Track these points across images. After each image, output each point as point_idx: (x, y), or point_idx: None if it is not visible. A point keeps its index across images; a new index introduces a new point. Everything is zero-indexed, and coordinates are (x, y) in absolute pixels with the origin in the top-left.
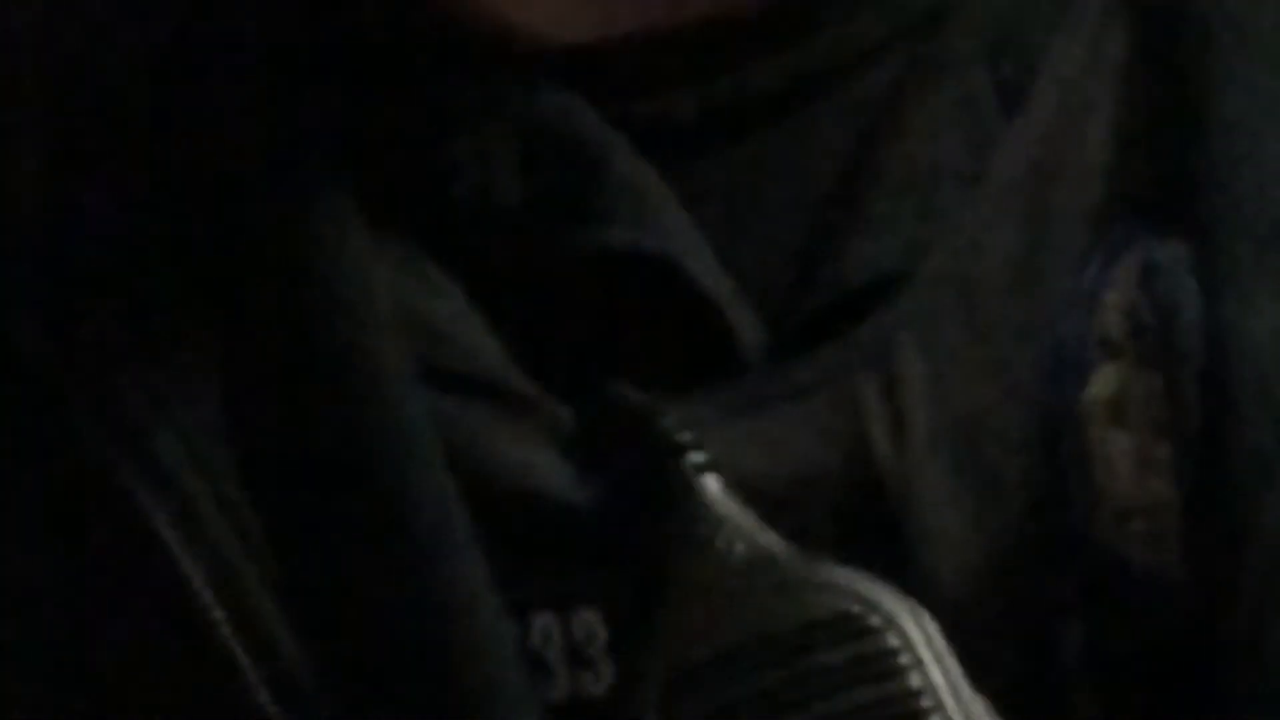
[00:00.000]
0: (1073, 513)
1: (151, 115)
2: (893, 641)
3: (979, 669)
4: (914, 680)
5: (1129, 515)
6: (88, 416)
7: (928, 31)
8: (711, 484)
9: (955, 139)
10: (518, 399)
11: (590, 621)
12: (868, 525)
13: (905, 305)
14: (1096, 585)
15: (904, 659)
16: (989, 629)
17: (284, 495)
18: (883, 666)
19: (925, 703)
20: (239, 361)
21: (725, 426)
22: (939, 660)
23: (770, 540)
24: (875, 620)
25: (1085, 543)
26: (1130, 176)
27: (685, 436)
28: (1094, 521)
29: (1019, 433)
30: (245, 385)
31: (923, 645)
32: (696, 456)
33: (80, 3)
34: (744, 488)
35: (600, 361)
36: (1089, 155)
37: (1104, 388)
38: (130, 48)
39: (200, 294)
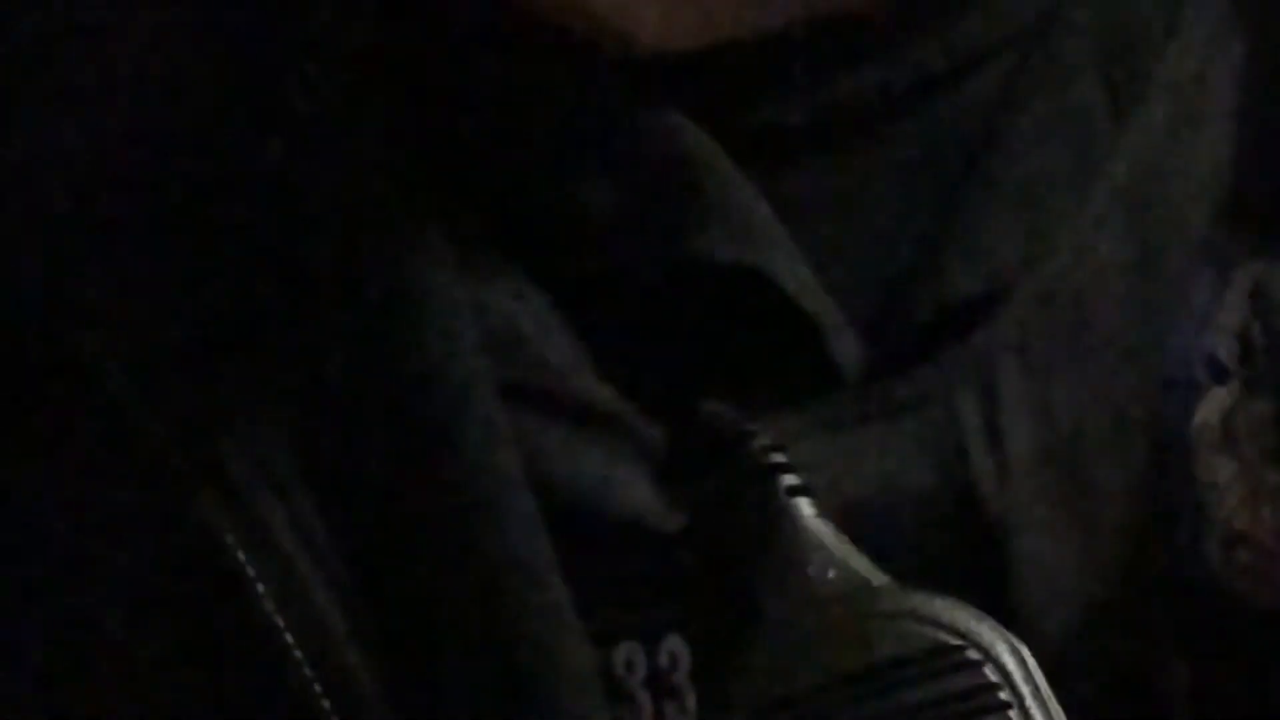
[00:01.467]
0: (1178, 541)
1: (226, 128)
2: (991, 676)
3: (1079, 707)
4: (1013, 717)
5: (1236, 545)
6: (163, 435)
7: (1037, 37)
8: (805, 508)
9: (1064, 148)
10: (605, 417)
11: (675, 649)
12: (965, 548)
13: (1009, 320)
14: (1203, 622)
15: (1002, 695)
16: (1089, 664)
17: (361, 517)
18: (980, 702)
19: None
20: (316, 381)
21: (820, 444)
22: (1038, 696)
23: (864, 567)
24: (973, 654)
25: (1192, 574)
26: (1243, 192)
27: (779, 458)
28: (1201, 552)
29: (1123, 456)
30: (317, 403)
31: (1021, 680)
32: (790, 479)
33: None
34: (838, 507)
35: (691, 379)
36: (1200, 167)
37: (1212, 412)
38: (205, 60)
39: (277, 317)
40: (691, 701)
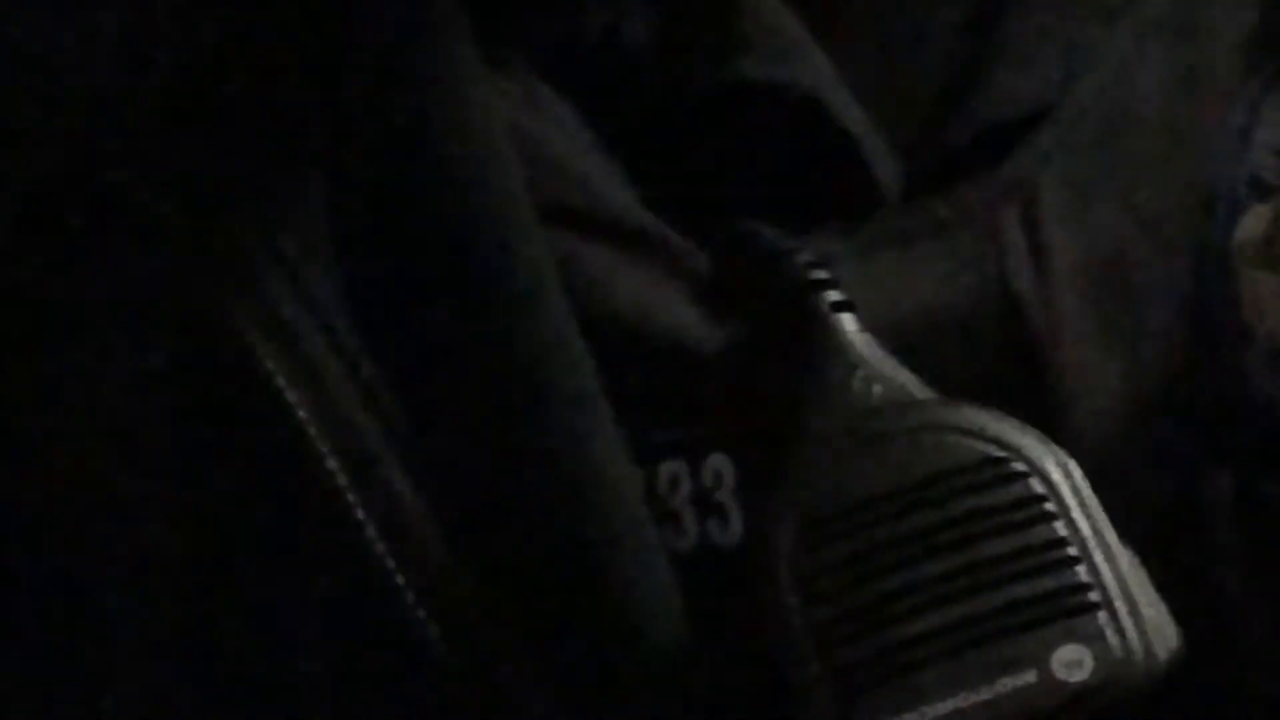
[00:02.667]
0: (1222, 357)
1: None
2: (1037, 488)
3: (1125, 517)
4: (1059, 528)
5: (1279, 359)
6: (198, 260)
7: None
8: (848, 323)
9: None
10: (645, 238)
11: (719, 467)
12: (1009, 364)
13: (1049, 139)
14: (1247, 434)
15: (1049, 506)
16: (1136, 476)
17: (399, 334)
18: (1026, 514)
19: (1070, 551)
20: (350, 200)
21: (862, 263)
22: (1084, 508)
23: (909, 381)
24: (1019, 465)
25: (1235, 388)
26: None
27: (821, 274)
28: (1244, 366)
29: (1165, 272)
30: (356, 223)
31: (1068, 492)
32: (833, 294)
33: None
34: (881, 324)
35: (731, 200)
36: None
37: (1254, 228)
38: None
39: (307, 125)
40: (736, 519)
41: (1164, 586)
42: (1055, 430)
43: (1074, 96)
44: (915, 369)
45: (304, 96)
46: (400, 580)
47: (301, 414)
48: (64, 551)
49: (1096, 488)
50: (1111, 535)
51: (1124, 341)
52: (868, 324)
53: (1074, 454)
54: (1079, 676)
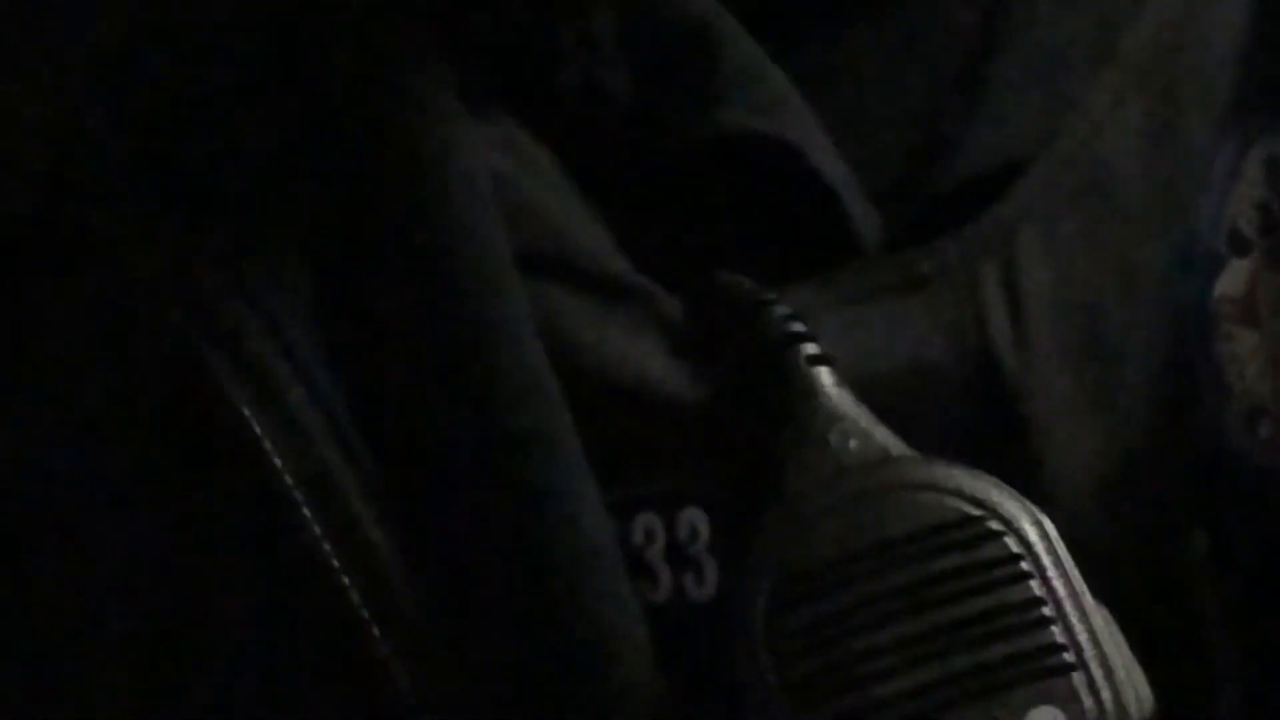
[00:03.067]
0: (1200, 414)
1: None
2: (1013, 547)
3: (1101, 576)
4: (1034, 588)
5: (1258, 418)
6: (177, 308)
7: None
8: (826, 377)
9: (1084, 18)
10: (623, 288)
11: (694, 521)
12: (986, 420)
13: (1029, 192)
14: (1224, 492)
15: (1024, 565)
16: (1112, 534)
17: (377, 384)
18: (1001, 573)
19: (1046, 611)
20: (330, 246)
21: (840, 316)
22: (1060, 567)
23: (885, 437)
24: (994, 524)
25: (1213, 446)
26: (1262, 64)
27: (798, 327)
28: (1222, 424)
29: (1144, 328)
30: (337, 270)
31: (1043, 551)
32: (810, 348)
33: None
34: (858, 378)
35: (710, 251)
36: (1221, 38)
37: (1234, 284)
38: None
39: (288, 176)
40: (711, 573)
41: (1140, 647)
42: (1032, 488)
43: (1054, 149)
44: (892, 424)
45: (285, 145)
46: (376, 632)
47: (278, 463)
48: (27, 593)
49: (1072, 546)
50: (1087, 595)
51: (1102, 399)
52: (845, 378)
53: (1050, 512)
54: None
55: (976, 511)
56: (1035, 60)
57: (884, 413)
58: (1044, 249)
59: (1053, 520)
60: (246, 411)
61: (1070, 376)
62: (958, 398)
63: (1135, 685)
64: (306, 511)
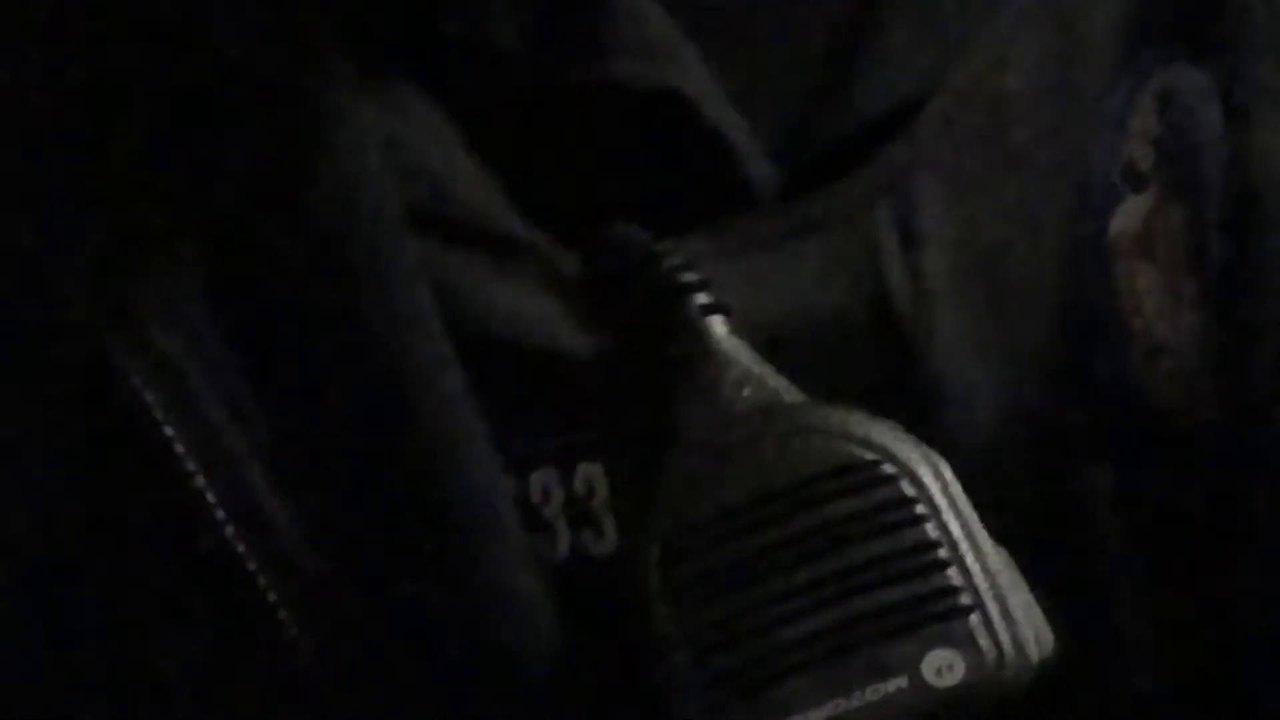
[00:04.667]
0: (1100, 352)
1: None
2: (907, 490)
3: (1003, 519)
4: (930, 531)
5: (1158, 354)
6: (66, 285)
7: None
8: (718, 326)
9: None
10: (516, 245)
11: (591, 476)
12: (883, 365)
13: (924, 131)
14: (1126, 429)
15: (919, 509)
16: (1013, 474)
17: (267, 349)
18: (896, 517)
19: (942, 554)
20: (219, 213)
21: (734, 265)
22: (955, 510)
23: (780, 385)
24: (888, 468)
25: (1114, 384)
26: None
27: (691, 277)
28: (1122, 360)
29: (1042, 265)
30: (226, 238)
31: (939, 494)
32: (703, 297)
33: None
34: (753, 328)
35: (602, 203)
36: None
37: (1131, 220)
38: None
39: (177, 147)
40: (610, 528)
41: (1039, 586)
42: (932, 432)
43: (947, 88)
44: (788, 371)
45: (175, 119)
46: (272, 598)
47: (171, 432)
48: None
49: (970, 488)
50: (984, 537)
51: (1000, 338)
52: (739, 326)
53: (948, 454)
54: (950, 681)
55: (870, 456)
56: (924, 3)
57: (781, 360)
58: (940, 188)
59: (953, 463)
60: (140, 385)
61: (968, 317)
62: (854, 342)
63: (1035, 625)
64: (201, 481)
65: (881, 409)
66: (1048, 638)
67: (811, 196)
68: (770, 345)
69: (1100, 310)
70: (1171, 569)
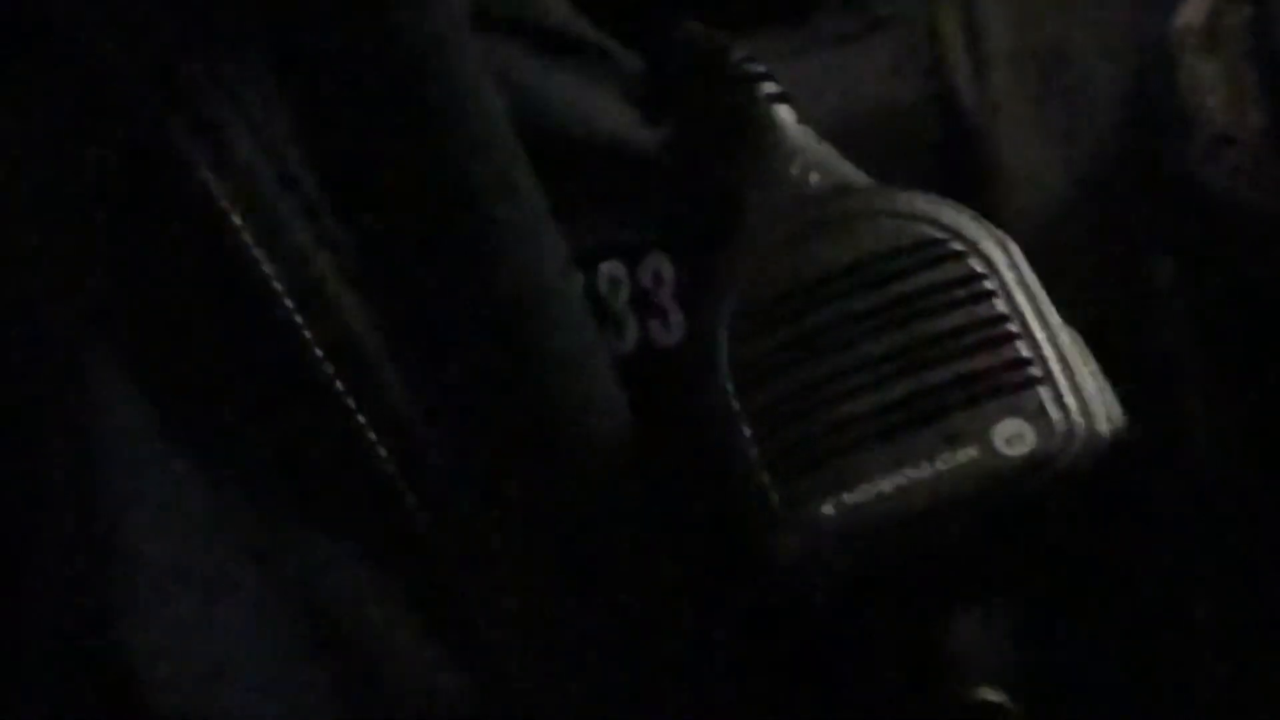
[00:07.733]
0: (1163, 144)
1: None
2: (975, 266)
3: (1068, 303)
4: (998, 305)
5: (1221, 146)
6: (160, 107)
7: None
8: (785, 113)
9: None
10: (579, 44)
11: (658, 266)
12: (948, 159)
13: None
14: (1189, 219)
15: (987, 284)
16: (1077, 264)
17: (347, 159)
18: (964, 292)
19: (1010, 327)
20: (291, 27)
21: (799, 63)
22: (1024, 285)
23: (847, 170)
24: (956, 245)
25: (1177, 175)
26: None
27: (758, 67)
28: (1185, 153)
29: (1105, 61)
30: (299, 49)
31: (1006, 270)
32: (770, 86)
33: None
34: (819, 125)
35: (666, 4)
36: None
37: (1194, 14)
38: None
39: None
40: (677, 319)
41: (1106, 367)
42: (996, 224)
43: None
44: (854, 164)
45: None
46: (351, 403)
47: (258, 254)
48: None
49: (1037, 273)
50: (1052, 313)
51: (1063, 132)
52: (806, 118)
53: (1016, 241)
54: (1020, 450)
55: (938, 234)
56: None
57: (847, 155)
58: None
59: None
60: (224, 203)
61: (1032, 111)
62: (919, 138)
63: (1105, 400)
64: (288, 302)
65: (948, 197)
66: (1118, 413)
67: None
68: (836, 140)
69: (1164, 102)
70: (1234, 360)
